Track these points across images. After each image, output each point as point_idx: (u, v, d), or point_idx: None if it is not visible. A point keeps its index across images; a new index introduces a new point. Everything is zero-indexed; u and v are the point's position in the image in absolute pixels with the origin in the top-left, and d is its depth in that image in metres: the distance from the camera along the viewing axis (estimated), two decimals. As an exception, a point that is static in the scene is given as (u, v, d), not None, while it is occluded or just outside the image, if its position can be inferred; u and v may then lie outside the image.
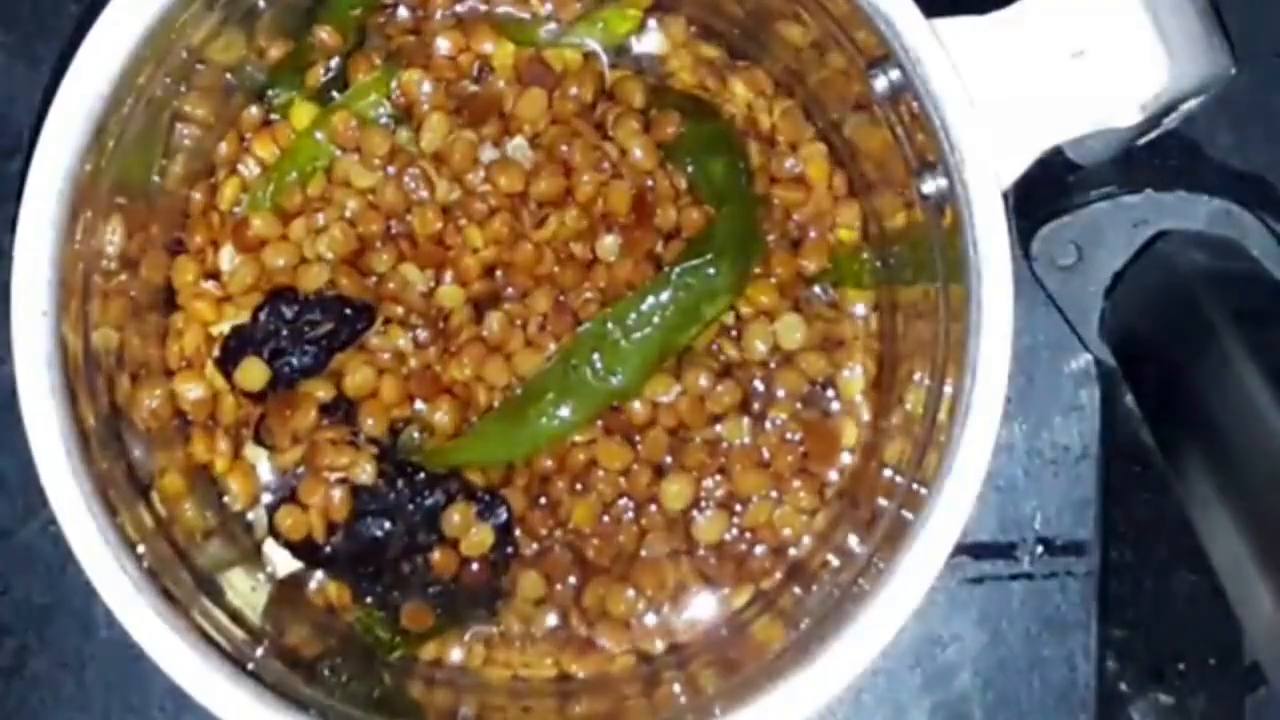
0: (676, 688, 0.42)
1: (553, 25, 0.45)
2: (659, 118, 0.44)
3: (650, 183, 0.44)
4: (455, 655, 0.44)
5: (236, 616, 0.40)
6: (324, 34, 0.44)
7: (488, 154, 0.44)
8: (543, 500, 0.44)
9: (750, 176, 0.44)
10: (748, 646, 0.42)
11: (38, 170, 0.37)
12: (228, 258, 0.44)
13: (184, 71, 0.40)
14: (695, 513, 0.44)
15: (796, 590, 0.43)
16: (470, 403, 0.43)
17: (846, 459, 0.44)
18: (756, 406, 0.44)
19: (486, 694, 0.44)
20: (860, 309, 0.45)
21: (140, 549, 0.37)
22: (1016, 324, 0.36)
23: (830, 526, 0.44)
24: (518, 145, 0.44)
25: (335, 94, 0.44)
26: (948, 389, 0.37)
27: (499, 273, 0.44)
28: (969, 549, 0.48)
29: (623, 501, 0.44)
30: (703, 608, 0.44)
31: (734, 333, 0.44)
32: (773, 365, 0.44)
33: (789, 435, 0.44)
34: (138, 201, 0.41)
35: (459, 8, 0.45)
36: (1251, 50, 0.44)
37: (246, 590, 0.42)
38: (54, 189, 0.37)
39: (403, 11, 0.45)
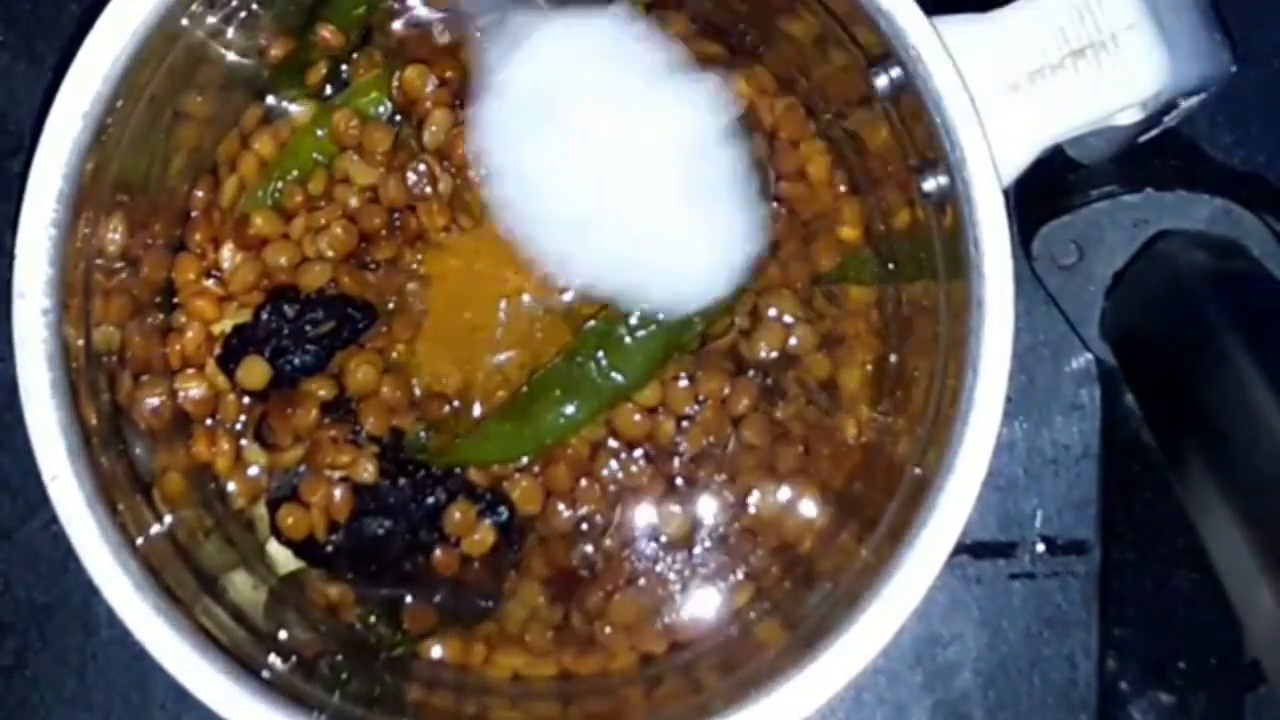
0: (677, 687, 0.42)
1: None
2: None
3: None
4: (455, 654, 0.44)
5: (238, 615, 0.40)
6: (326, 32, 0.44)
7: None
8: (545, 499, 0.44)
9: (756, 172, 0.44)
10: (748, 646, 0.42)
11: (39, 169, 0.37)
12: (229, 256, 0.44)
13: (185, 70, 0.40)
14: (697, 511, 0.44)
15: (796, 590, 0.43)
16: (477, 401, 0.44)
17: (847, 457, 0.44)
18: (758, 405, 0.44)
19: (486, 694, 0.44)
20: (862, 306, 0.45)
21: (142, 547, 0.37)
22: (1017, 323, 0.36)
23: (830, 526, 0.44)
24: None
25: (337, 91, 0.45)
26: (949, 387, 0.38)
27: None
28: (969, 548, 0.49)
29: (625, 500, 0.44)
30: (704, 608, 0.44)
31: (746, 334, 0.44)
32: (776, 364, 0.44)
33: (790, 434, 0.44)
34: (139, 199, 0.41)
35: (460, 4, 0.45)
36: (1252, 49, 0.44)
37: (248, 589, 0.42)
38: (55, 187, 0.37)
39: (404, 8, 0.45)
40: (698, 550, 0.44)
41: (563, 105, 0.37)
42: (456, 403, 0.44)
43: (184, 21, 0.39)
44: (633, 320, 0.42)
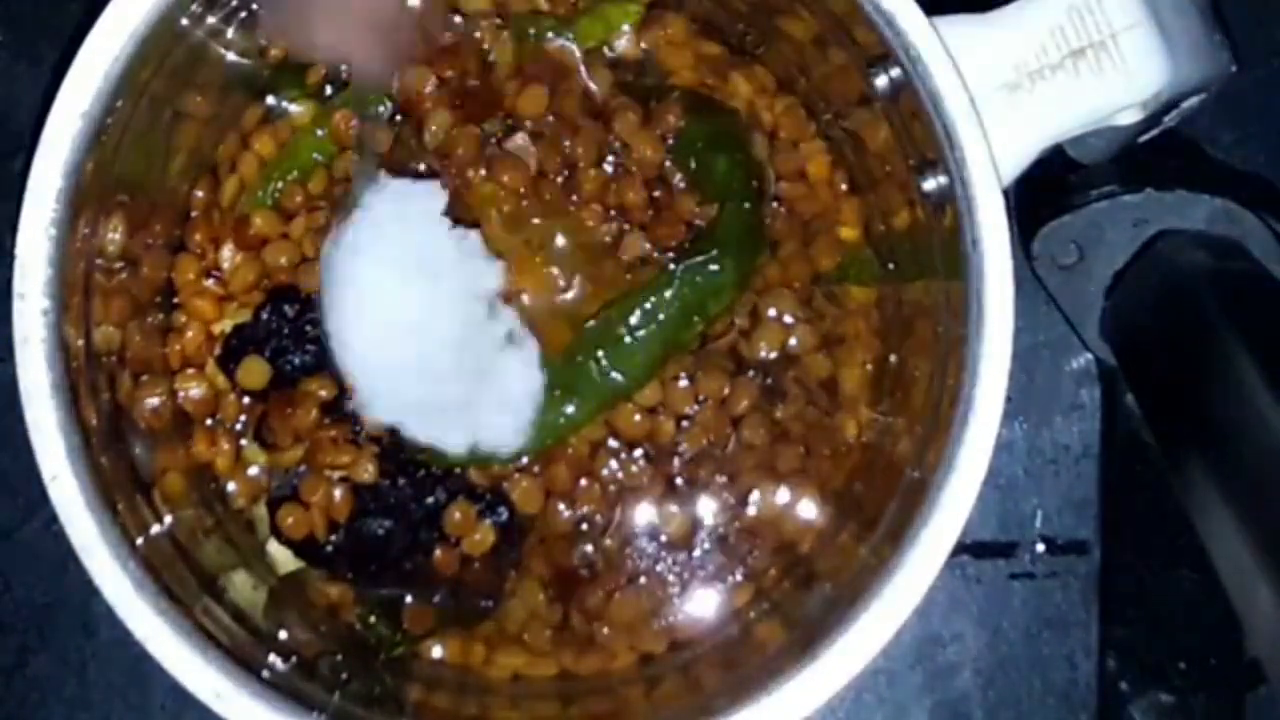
0: (677, 687, 0.42)
1: (554, 21, 0.45)
2: (659, 110, 0.44)
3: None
4: (455, 654, 0.44)
5: (238, 615, 0.40)
6: (326, 33, 0.44)
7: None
8: (545, 499, 0.44)
9: (756, 172, 0.44)
10: (748, 646, 0.42)
11: (39, 169, 0.37)
12: (229, 256, 0.44)
13: (185, 70, 0.40)
14: (697, 511, 0.44)
15: (796, 590, 0.43)
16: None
17: (847, 457, 0.44)
18: (758, 405, 0.44)
19: (486, 694, 0.44)
20: (862, 306, 0.45)
21: (141, 547, 0.37)
22: (1017, 323, 0.36)
23: (830, 526, 0.44)
24: (519, 141, 0.44)
25: (337, 91, 0.45)
26: (949, 387, 0.38)
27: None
28: (969, 548, 0.49)
29: (625, 500, 0.44)
30: (704, 608, 0.44)
31: (746, 334, 0.44)
32: (776, 364, 0.44)
33: (790, 434, 0.44)
34: (139, 199, 0.41)
35: (460, 4, 0.45)
36: (1252, 49, 0.44)
37: (248, 589, 0.42)
38: (55, 187, 0.37)
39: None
40: (698, 550, 0.44)
41: (386, 260, 0.41)
42: (456, 402, 0.44)
43: (184, 21, 0.39)
44: (633, 320, 0.42)
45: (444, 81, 0.44)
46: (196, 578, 0.40)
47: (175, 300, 0.44)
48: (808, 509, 0.44)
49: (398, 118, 0.44)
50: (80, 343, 0.38)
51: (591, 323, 0.43)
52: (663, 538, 0.44)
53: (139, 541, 0.37)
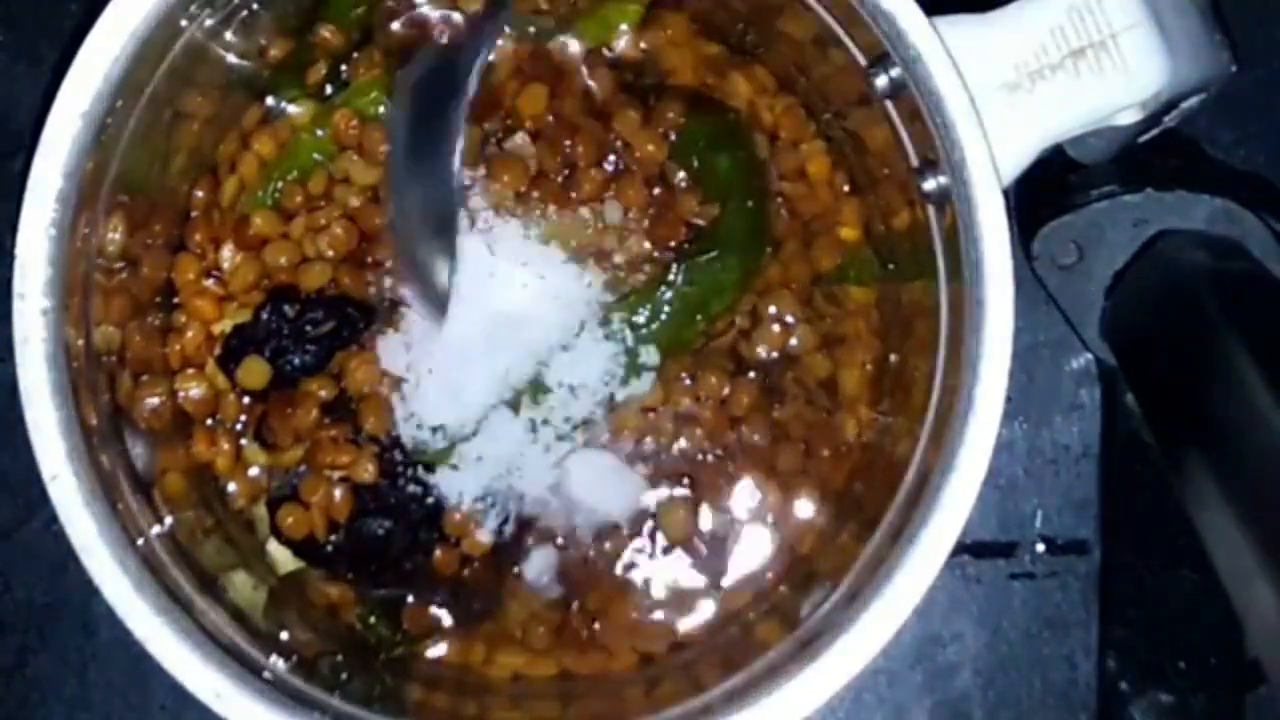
0: (677, 687, 0.42)
1: (554, 20, 0.45)
2: (659, 107, 0.44)
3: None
4: (455, 654, 0.44)
5: (238, 615, 0.40)
6: (326, 32, 0.44)
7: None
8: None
9: (759, 171, 0.44)
10: (748, 646, 0.42)
11: (39, 169, 0.37)
12: (229, 256, 0.44)
13: (184, 70, 0.40)
14: (697, 511, 0.44)
15: (796, 590, 0.43)
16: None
17: (847, 457, 0.44)
18: (758, 405, 0.44)
19: (486, 694, 0.44)
20: (862, 306, 0.45)
21: (141, 547, 0.37)
22: (1017, 323, 0.36)
23: (830, 526, 0.44)
24: (519, 141, 0.44)
25: (337, 91, 0.45)
26: (949, 387, 0.38)
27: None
28: (969, 548, 0.49)
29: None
30: (703, 607, 0.44)
31: (746, 333, 0.44)
32: (776, 364, 0.44)
33: (790, 434, 0.44)
34: (139, 199, 0.41)
35: (460, 3, 0.45)
36: (1252, 49, 0.44)
37: (248, 589, 0.42)
38: (55, 188, 0.37)
39: (404, 8, 0.45)
40: (698, 550, 0.44)
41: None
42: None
43: (183, 22, 0.39)
44: (637, 316, 0.42)
45: (444, 81, 0.44)
46: (196, 578, 0.39)
47: (175, 300, 0.44)
48: (808, 509, 0.44)
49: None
50: (80, 343, 0.38)
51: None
52: (663, 538, 0.44)
53: (139, 542, 0.37)
